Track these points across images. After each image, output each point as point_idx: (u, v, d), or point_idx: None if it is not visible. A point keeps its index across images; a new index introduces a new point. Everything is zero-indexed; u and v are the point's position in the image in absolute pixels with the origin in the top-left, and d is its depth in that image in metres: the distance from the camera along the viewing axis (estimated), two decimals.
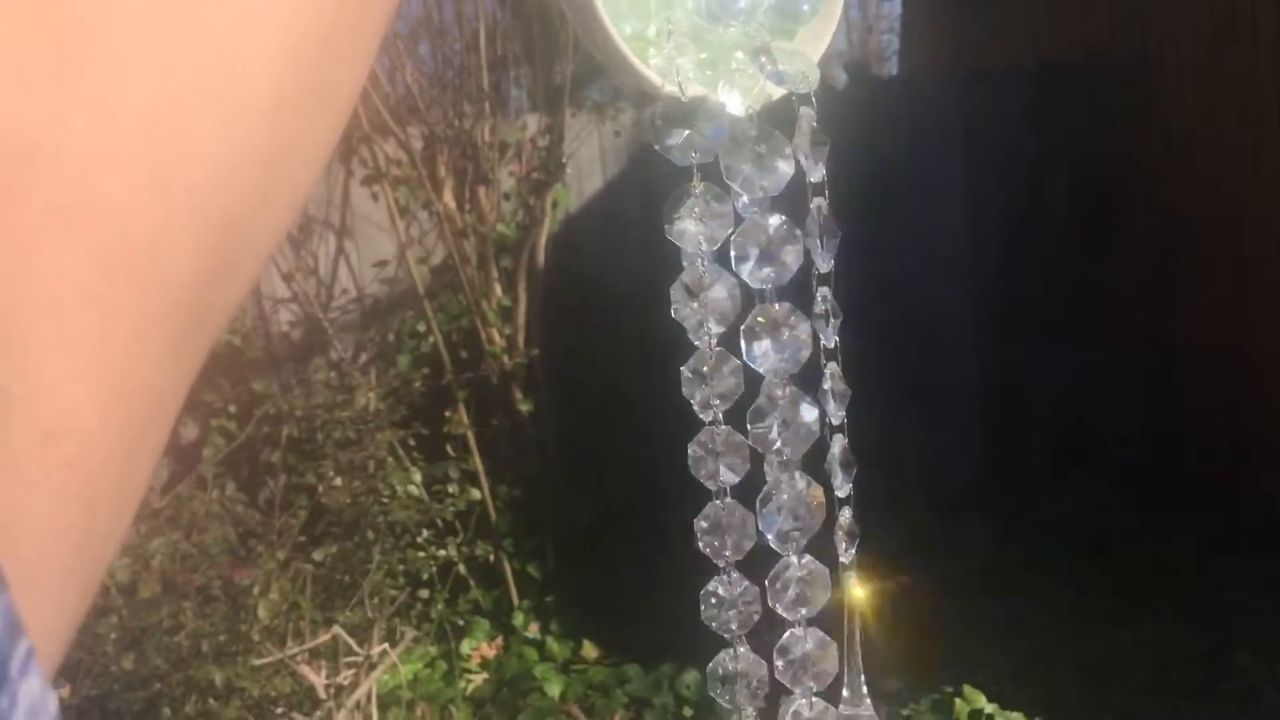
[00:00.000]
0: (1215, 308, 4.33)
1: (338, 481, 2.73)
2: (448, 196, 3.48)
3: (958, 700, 3.01)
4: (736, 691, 0.76)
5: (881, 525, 4.04)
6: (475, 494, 3.14)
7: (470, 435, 3.51)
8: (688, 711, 3.21)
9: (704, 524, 0.69)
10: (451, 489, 3.02)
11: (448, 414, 3.23)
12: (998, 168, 4.51)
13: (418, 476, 2.93)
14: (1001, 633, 3.52)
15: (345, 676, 2.55)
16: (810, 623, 0.66)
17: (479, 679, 3.40)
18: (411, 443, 3.01)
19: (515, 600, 3.63)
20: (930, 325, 4.46)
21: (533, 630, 3.57)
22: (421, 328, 3.84)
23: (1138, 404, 4.61)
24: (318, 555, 2.61)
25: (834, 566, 0.68)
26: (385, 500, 2.89)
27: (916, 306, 4.43)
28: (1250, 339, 4.19)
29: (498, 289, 3.64)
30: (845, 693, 0.74)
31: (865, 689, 0.73)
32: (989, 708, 2.99)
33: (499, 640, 3.58)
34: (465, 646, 3.50)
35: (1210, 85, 4.27)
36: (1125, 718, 3.10)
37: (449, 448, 3.45)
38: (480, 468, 3.50)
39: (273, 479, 3.49)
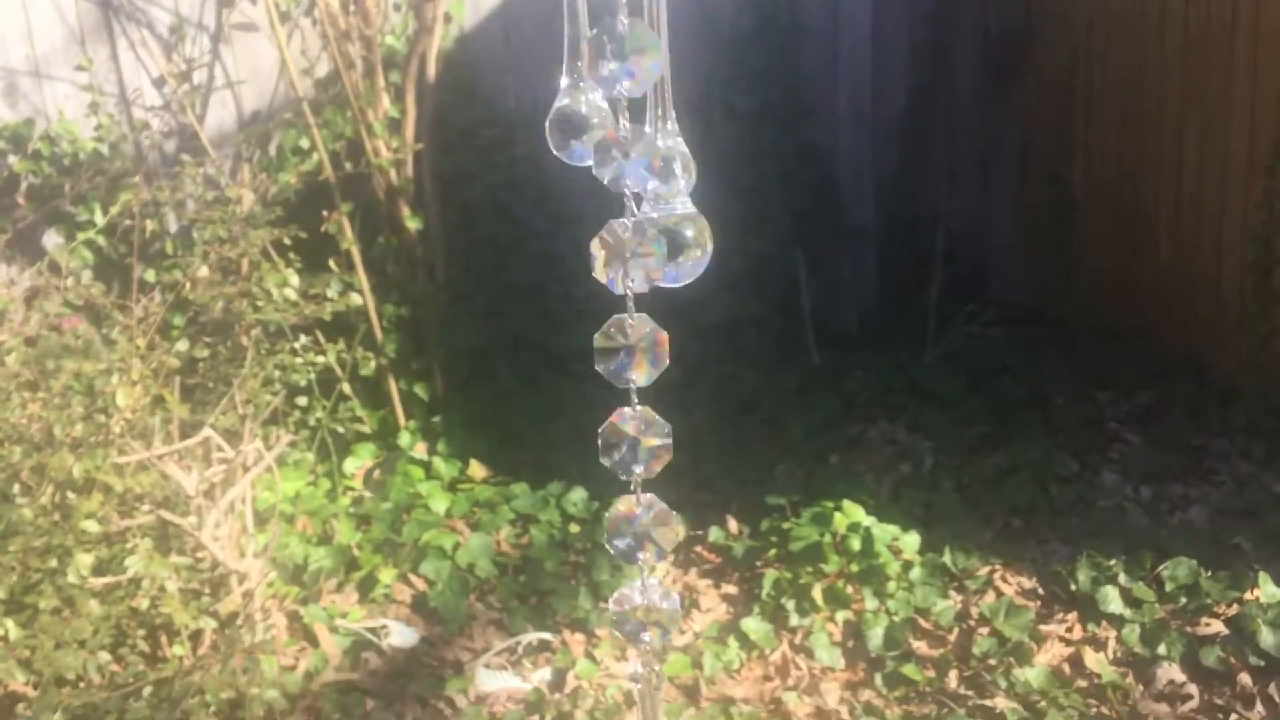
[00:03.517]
0: (1112, 157, 4.37)
1: (203, 272, 2.60)
2: None
3: (837, 514, 3.06)
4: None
5: (776, 359, 4.06)
6: (357, 299, 3.03)
7: (355, 251, 3.39)
8: (574, 528, 3.21)
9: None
10: (331, 293, 2.90)
11: (325, 213, 3.10)
12: (904, 4, 4.42)
13: (294, 279, 2.81)
14: (884, 458, 3.58)
15: (216, 473, 2.47)
16: None
17: (363, 495, 3.35)
18: (287, 242, 2.87)
19: (401, 421, 3.57)
20: (829, 162, 4.41)
21: (419, 451, 3.52)
22: (305, 144, 3.66)
23: (1031, 248, 4.66)
24: (181, 345, 2.50)
25: None
26: (260, 304, 2.77)
27: (817, 143, 4.37)
28: (1139, 188, 4.24)
29: (385, 100, 3.47)
30: None
31: None
32: (867, 521, 3.04)
33: (383, 460, 3.52)
34: (349, 465, 3.44)
35: None
36: (1000, 532, 3.19)
37: (332, 263, 3.32)
38: (366, 285, 3.38)
39: (145, 295, 3.33)
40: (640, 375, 0.74)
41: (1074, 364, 4.11)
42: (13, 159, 3.66)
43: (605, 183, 0.70)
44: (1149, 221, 4.23)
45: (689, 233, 0.70)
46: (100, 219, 3.49)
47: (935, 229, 4.38)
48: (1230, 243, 3.89)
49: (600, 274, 0.71)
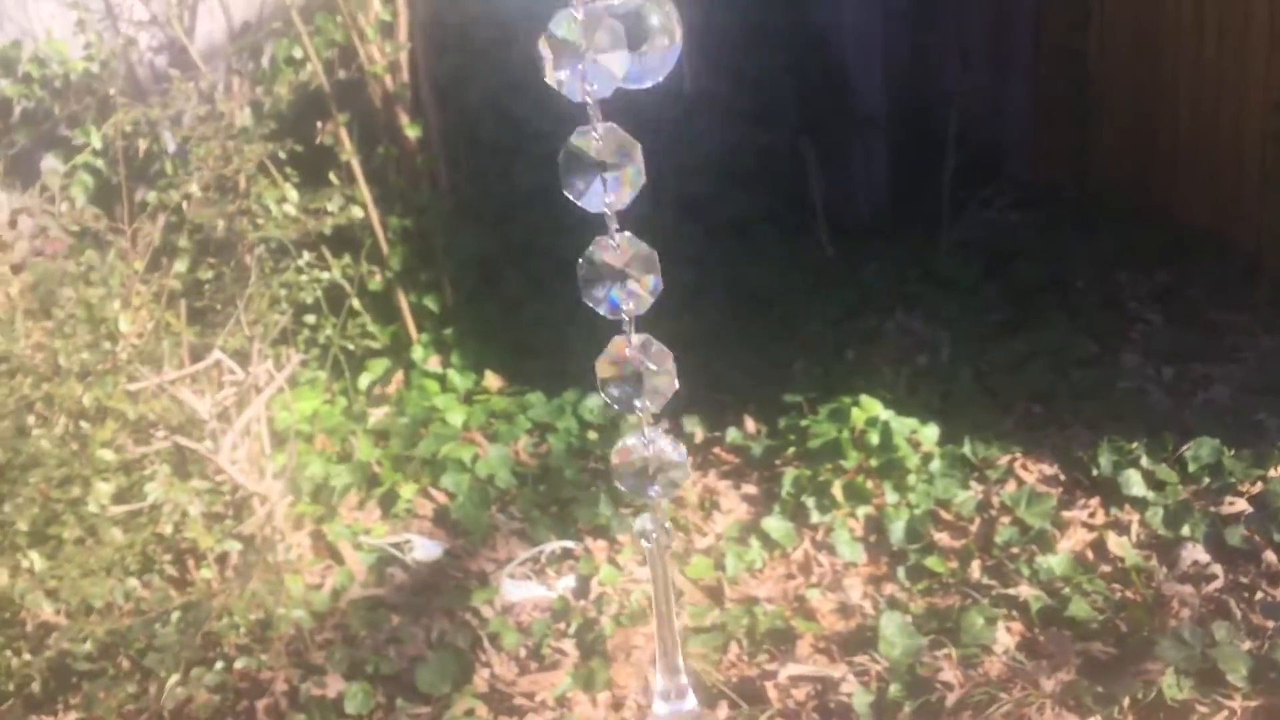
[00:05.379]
0: (1128, 30, 4.22)
1: (194, 188, 2.55)
2: None
3: (855, 409, 3.03)
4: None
5: (788, 254, 4.00)
6: (357, 212, 2.98)
7: (355, 163, 3.32)
8: (592, 435, 3.20)
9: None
10: (332, 208, 2.85)
11: (319, 124, 3.03)
12: None
13: (293, 194, 2.76)
14: (901, 349, 3.54)
15: (227, 396, 2.46)
16: None
17: (379, 412, 3.34)
18: (283, 156, 2.81)
19: (413, 334, 3.54)
20: (837, 48, 4.28)
21: (433, 364, 3.50)
22: (298, 53, 3.57)
23: (1046, 128, 4.55)
24: (180, 266, 2.46)
25: None
26: (260, 222, 2.72)
27: (823, 27, 4.24)
28: (1157, 60, 4.11)
29: (375, 2, 3.36)
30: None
31: None
32: (884, 415, 3.02)
33: (398, 376, 3.50)
34: (363, 382, 3.43)
35: None
36: (1020, 419, 3.17)
37: (333, 176, 3.26)
38: (368, 197, 3.32)
39: (144, 215, 3.29)
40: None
41: (1092, 244, 4.03)
42: (3, 82, 3.59)
43: None
44: (1167, 94, 4.10)
45: (653, 19, 0.59)
46: (96, 140, 3.42)
47: (947, 112, 4.27)
48: (1251, 112, 3.77)
49: (550, 77, 0.62)
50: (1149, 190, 4.19)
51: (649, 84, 0.61)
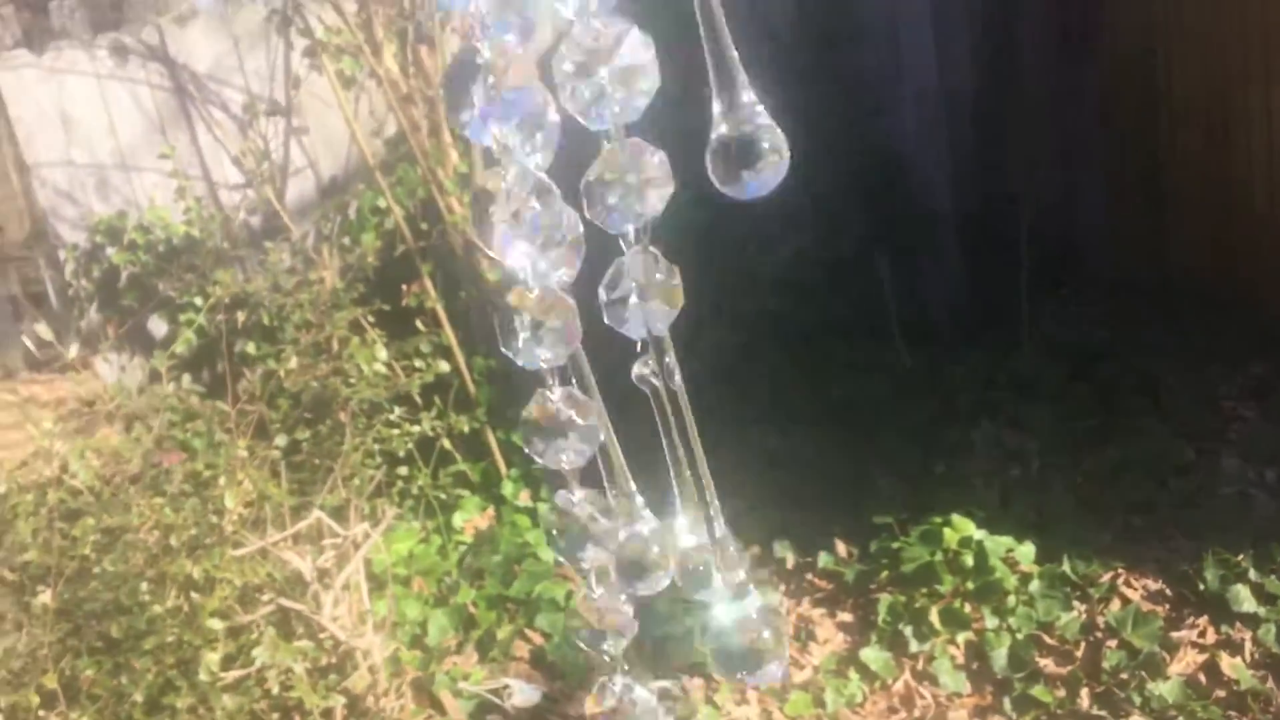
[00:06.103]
0: (1198, 116, 4.20)
1: (293, 363, 2.67)
2: (389, 61, 3.32)
3: (947, 530, 3.00)
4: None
5: (867, 365, 4.00)
6: (444, 366, 3.07)
7: (440, 309, 3.43)
8: None
9: None
10: (419, 363, 2.95)
11: (405, 286, 3.15)
12: None
13: (382, 353, 2.87)
14: (990, 461, 3.50)
15: (328, 559, 2.53)
16: None
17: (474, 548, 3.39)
18: (371, 319, 2.93)
19: (503, 470, 3.61)
20: (902, 157, 4.33)
21: (523, 499, 3.55)
22: (382, 204, 3.73)
23: (1121, 219, 4.51)
24: (280, 440, 2.56)
25: None
26: (352, 381, 2.83)
27: (886, 135, 4.29)
28: (1233, 145, 4.07)
29: (453, 155, 3.51)
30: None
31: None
32: (978, 534, 2.98)
33: (490, 511, 3.57)
34: (457, 520, 3.49)
35: None
36: (1120, 532, 3.10)
37: (419, 323, 3.37)
38: (454, 340, 3.43)
39: (248, 368, 3.43)
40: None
41: (1178, 339, 3.96)
42: (110, 250, 3.81)
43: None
44: (1242, 176, 4.05)
45: (764, 143, 0.56)
46: (199, 301, 3.60)
47: (1019, 212, 4.26)
48: None
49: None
50: (1233, 278, 4.12)
51: (762, 194, 0.58)
